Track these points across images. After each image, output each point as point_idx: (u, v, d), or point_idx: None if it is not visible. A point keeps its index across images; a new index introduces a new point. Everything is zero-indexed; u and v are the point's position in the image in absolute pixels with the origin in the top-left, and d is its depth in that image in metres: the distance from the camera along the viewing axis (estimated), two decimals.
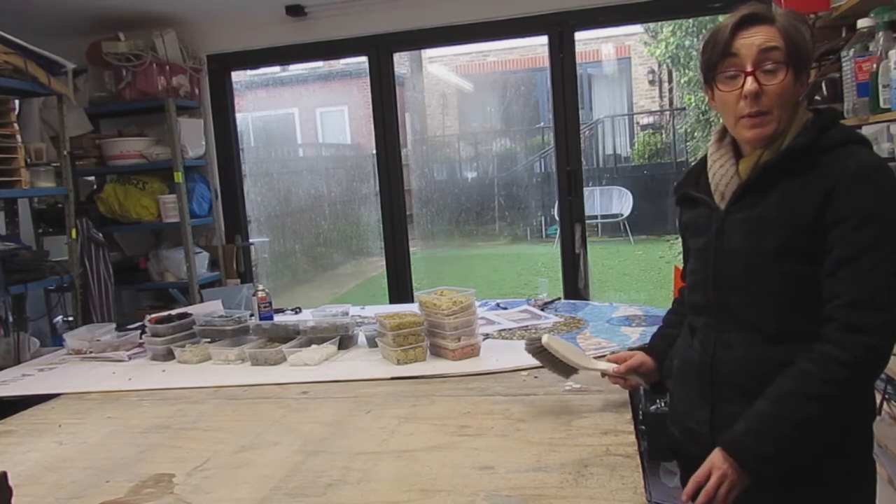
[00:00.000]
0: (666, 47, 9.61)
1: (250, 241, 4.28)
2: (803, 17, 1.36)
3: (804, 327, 1.25)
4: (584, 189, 3.82)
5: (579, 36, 3.71)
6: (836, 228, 1.20)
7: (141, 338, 2.51)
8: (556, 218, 4.83)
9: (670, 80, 11.16)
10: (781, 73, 1.24)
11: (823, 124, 1.27)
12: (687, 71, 9.49)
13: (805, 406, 1.19)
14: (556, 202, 4.18)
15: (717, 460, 1.23)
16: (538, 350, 1.64)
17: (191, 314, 2.53)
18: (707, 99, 1.38)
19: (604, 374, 1.62)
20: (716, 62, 1.29)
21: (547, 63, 3.73)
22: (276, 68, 8.69)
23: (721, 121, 1.38)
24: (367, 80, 3.95)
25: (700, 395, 1.37)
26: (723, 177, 1.34)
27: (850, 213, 1.19)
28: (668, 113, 11.19)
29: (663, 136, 10.83)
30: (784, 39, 1.24)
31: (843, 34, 2.42)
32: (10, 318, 3.23)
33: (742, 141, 1.33)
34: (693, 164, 1.50)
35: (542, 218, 9.71)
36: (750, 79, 1.24)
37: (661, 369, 1.57)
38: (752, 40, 1.25)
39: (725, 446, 1.24)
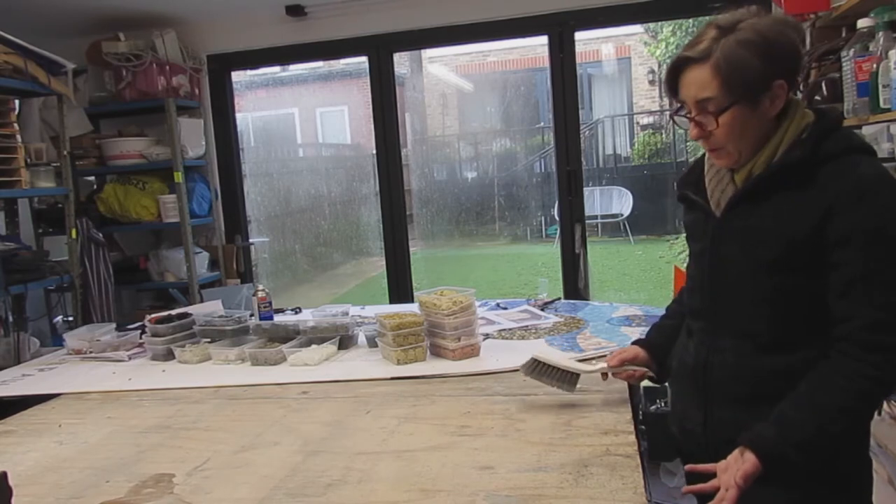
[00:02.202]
0: (666, 47, 9.61)
1: (250, 241, 4.27)
2: (778, 26, 1.23)
3: (796, 337, 1.25)
4: (584, 189, 3.82)
5: (579, 36, 3.71)
6: (841, 246, 1.18)
7: (141, 338, 2.51)
8: (556, 218, 4.83)
9: None
10: (721, 118, 1.23)
11: (823, 131, 1.23)
12: None
13: (838, 420, 1.18)
14: (556, 202, 4.17)
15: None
16: (532, 367, 1.65)
17: (191, 314, 2.53)
18: None
19: (604, 374, 1.63)
20: (670, 100, 1.32)
21: (547, 63, 3.73)
22: (276, 68, 8.68)
23: None
24: (367, 80, 3.95)
25: (694, 397, 1.38)
26: (719, 182, 1.34)
27: (855, 230, 1.16)
28: (668, 113, 11.17)
29: (663, 136, 10.82)
30: (720, 77, 1.20)
31: (843, 34, 2.42)
32: (10, 318, 3.23)
33: None
34: (695, 160, 1.46)
35: (542, 218, 9.71)
36: (692, 124, 1.26)
37: (657, 360, 1.57)
38: (688, 91, 1.25)
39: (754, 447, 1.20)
